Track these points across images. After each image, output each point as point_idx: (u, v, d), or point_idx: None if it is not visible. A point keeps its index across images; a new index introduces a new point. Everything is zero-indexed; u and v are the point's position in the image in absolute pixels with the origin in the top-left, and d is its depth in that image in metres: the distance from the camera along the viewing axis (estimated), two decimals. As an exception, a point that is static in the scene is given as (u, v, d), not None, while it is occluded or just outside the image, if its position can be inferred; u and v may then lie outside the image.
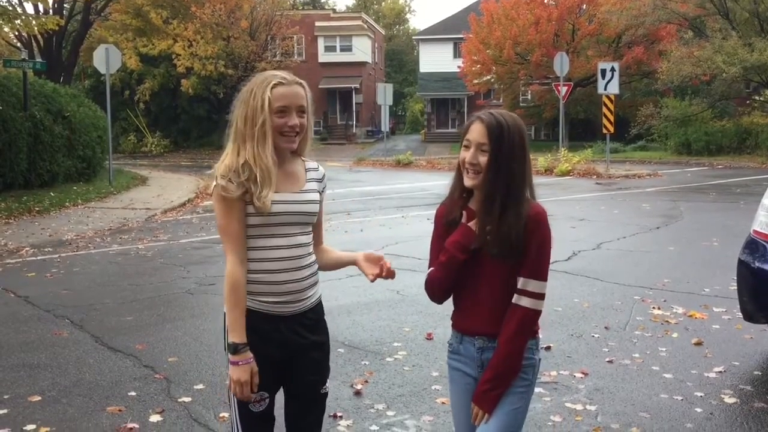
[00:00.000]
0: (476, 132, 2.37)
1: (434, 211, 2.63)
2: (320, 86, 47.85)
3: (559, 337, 5.89)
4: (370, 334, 6.06)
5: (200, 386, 4.91)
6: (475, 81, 39.49)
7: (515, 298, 2.38)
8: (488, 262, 2.39)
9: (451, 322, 2.58)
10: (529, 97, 41.87)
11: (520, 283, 2.37)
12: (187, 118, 41.30)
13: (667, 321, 6.32)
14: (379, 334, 6.01)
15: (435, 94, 48.10)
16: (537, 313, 2.40)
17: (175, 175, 25.40)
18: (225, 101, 41.10)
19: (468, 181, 2.39)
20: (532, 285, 2.37)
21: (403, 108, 63.66)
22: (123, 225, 13.39)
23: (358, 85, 47.79)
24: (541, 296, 2.38)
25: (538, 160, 24.90)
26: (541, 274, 2.38)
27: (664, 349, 5.55)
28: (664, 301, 6.99)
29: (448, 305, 2.63)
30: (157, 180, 22.80)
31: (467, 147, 2.39)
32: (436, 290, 2.52)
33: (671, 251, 9.67)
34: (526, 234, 2.34)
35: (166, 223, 13.84)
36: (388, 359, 5.37)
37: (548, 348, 5.59)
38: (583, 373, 5.05)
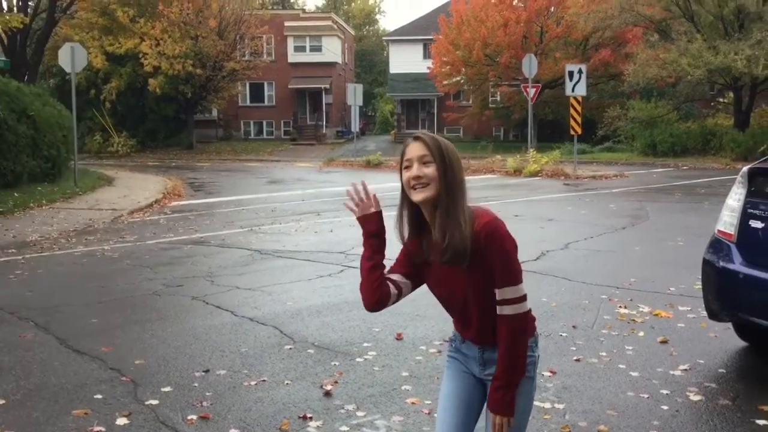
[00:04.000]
0: (415, 149, 2.41)
1: None
2: (290, 86, 47.70)
3: (528, 337, 5.92)
4: (339, 334, 6.05)
5: (168, 389, 4.86)
6: (445, 82, 39.66)
7: (498, 310, 2.41)
8: (463, 279, 2.42)
9: (434, 321, 2.63)
10: (498, 98, 42.18)
11: (498, 294, 2.40)
12: (154, 117, 40.85)
13: (634, 320, 6.39)
14: (349, 334, 6.00)
15: (405, 94, 48.18)
16: (524, 316, 2.42)
17: (142, 175, 25.14)
18: (193, 101, 40.78)
19: (418, 196, 2.39)
20: (509, 292, 2.40)
21: (373, 108, 63.68)
22: (89, 226, 13.21)
23: (328, 86, 47.70)
24: (521, 299, 2.41)
25: (507, 161, 25.09)
26: (513, 280, 2.40)
27: (630, 348, 5.62)
28: (631, 300, 7.08)
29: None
30: (124, 180, 22.54)
31: (408, 167, 2.41)
32: (362, 293, 2.55)
33: (637, 251, 9.80)
34: (482, 247, 2.36)
35: (132, 224, 13.69)
36: (358, 360, 5.37)
37: (517, 347, 5.62)
38: (551, 371, 5.09)
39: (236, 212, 15.13)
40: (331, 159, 32.77)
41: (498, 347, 2.43)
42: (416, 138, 2.44)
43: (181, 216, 14.72)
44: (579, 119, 23.81)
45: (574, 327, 6.19)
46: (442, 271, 2.45)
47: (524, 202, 15.96)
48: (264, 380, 5.00)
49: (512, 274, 2.39)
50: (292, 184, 22.19)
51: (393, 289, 2.52)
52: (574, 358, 5.39)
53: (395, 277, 2.54)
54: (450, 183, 2.39)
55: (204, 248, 10.61)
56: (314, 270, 8.74)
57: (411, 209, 2.46)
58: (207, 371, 5.19)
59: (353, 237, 11.05)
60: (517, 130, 44.70)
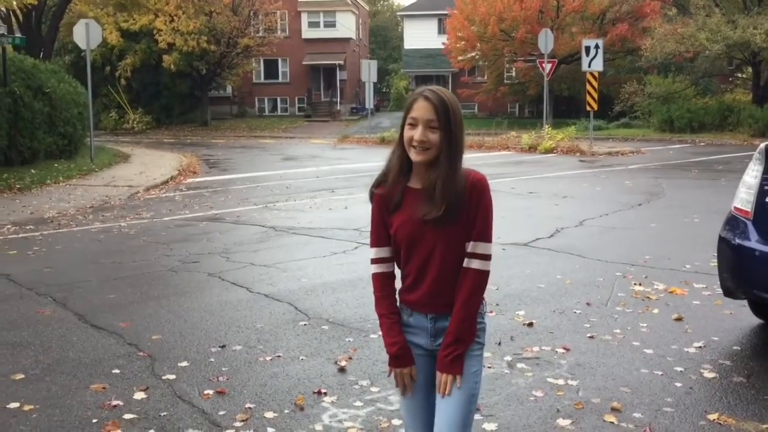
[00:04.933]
0: (423, 110, 2.43)
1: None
2: (304, 63, 47.53)
3: (542, 313, 5.94)
4: (354, 311, 6.09)
5: (184, 363, 4.91)
6: (460, 58, 39.32)
7: (466, 262, 2.47)
8: (433, 235, 2.47)
9: (399, 301, 2.63)
10: (513, 74, 41.78)
11: (470, 246, 2.47)
12: (169, 94, 40.85)
13: (648, 297, 6.38)
14: (363, 311, 6.03)
15: (419, 70, 47.88)
16: (486, 274, 2.50)
17: (157, 152, 25.22)
18: (207, 77, 40.75)
19: (417, 157, 2.44)
20: (481, 247, 2.47)
21: (388, 85, 63.35)
22: (105, 203, 13.29)
23: (342, 62, 47.48)
24: (488, 257, 2.49)
25: (522, 138, 24.94)
26: (488, 237, 2.49)
27: (644, 325, 5.62)
28: (645, 277, 7.06)
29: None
30: (140, 157, 22.64)
31: (413, 125, 2.44)
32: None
33: (653, 228, 9.75)
34: (472, 199, 2.44)
35: (148, 200, 13.76)
36: (372, 336, 5.40)
37: (530, 324, 5.64)
38: (564, 348, 5.10)
39: (251, 189, 15.16)
40: (346, 136, 32.72)
41: (453, 305, 2.47)
42: (426, 98, 2.43)
43: (197, 193, 14.78)
44: (595, 95, 23.60)
45: (588, 304, 6.19)
46: (414, 220, 2.48)
47: (539, 178, 15.89)
48: (279, 356, 5.04)
49: (489, 230, 2.48)
50: (306, 161, 22.20)
51: (394, 284, 2.62)
52: (588, 335, 5.40)
53: (387, 265, 2.59)
54: (453, 148, 2.44)
55: (219, 225, 10.66)
56: (329, 247, 8.77)
57: (403, 157, 2.50)
58: (223, 347, 5.24)
59: (368, 214, 11.05)
60: (533, 106, 44.36)
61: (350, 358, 4.96)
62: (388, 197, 2.54)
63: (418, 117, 2.42)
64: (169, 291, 6.89)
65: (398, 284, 2.64)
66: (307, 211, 11.87)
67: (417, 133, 2.42)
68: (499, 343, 5.22)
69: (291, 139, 33.90)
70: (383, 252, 2.59)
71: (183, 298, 6.60)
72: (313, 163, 21.12)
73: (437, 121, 2.41)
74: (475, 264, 2.46)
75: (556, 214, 10.80)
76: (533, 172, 17.16)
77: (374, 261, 2.61)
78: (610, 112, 34.42)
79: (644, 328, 5.54)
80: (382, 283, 2.60)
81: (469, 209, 2.43)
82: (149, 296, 6.70)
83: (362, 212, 11.08)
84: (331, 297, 6.53)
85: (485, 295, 2.57)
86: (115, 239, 9.72)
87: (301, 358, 5.01)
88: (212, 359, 5.00)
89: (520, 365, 4.82)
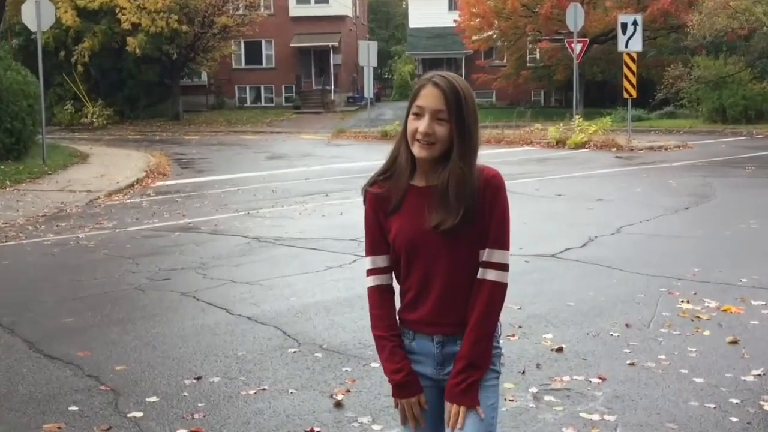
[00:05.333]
0: (431, 98, 2.44)
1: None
2: (292, 45, 47.61)
3: (573, 337, 5.94)
4: (352, 335, 6.09)
5: (153, 399, 4.91)
6: (474, 38, 39.37)
7: (480, 273, 2.48)
8: (439, 241, 2.47)
9: (399, 320, 2.62)
10: (537, 56, 41.82)
11: (485, 255, 2.47)
12: (134, 83, 40.92)
13: (698, 317, 6.38)
14: (363, 335, 6.02)
15: (427, 53, 47.95)
16: (504, 287, 2.50)
17: (121, 150, 25.28)
18: (179, 63, 40.83)
19: (420, 152, 2.45)
20: (498, 255, 2.48)
21: (390, 70, 63.50)
22: (60, 210, 13.32)
23: (336, 44, 47.57)
24: (506, 267, 2.50)
25: (549, 131, 24.97)
26: (506, 243, 2.50)
27: (693, 350, 5.61)
28: (694, 293, 7.06)
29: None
30: (100, 157, 22.68)
31: (418, 115, 2.46)
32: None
33: (702, 236, 9.75)
34: (485, 199, 2.45)
35: (110, 207, 13.79)
36: (374, 365, 5.39)
37: (559, 349, 5.64)
38: (600, 378, 5.10)
39: (231, 193, 15.20)
40: (341, 130, 32.76)
41: (464, 324, 2.46)
42: (435, 84, 2.44)
43: (167, 198, 14.80)
44: (633, 80, 23.62)
45: (627, 325, 6.19)
46: (417, 224, 2.48)
47: (568, 178, 15.91)
48: (264, 389, 5.04)
49: (506, 236, 2.48)
50: (295, 159, 22.24)
51: (394, 299, 2.62)
52: (628, 361, 5.39)
53: (386, 276, 2.60)
54: (467, 142, 2.45)
55: (194, 236, 10.68)
56: (322, 260, 8.78)
57: (408, 152, 2.51)
58: (199, 378, 5.24)
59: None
60: (560, 93, 44.38)
61: (348, 391, 4.96)
62: (385, 197, 2.55)
63: (425, 106, 2.43)
64: (136, 314, 6.90)
65: (397, 302, 2.64)
66: (297, 218, 11.88)
67: (422, 125, 2.43)
68: (523, 372, 5.21)
69: (277, 135, 33.96)
70: (380, 261, 2.60)
71: (152, 322, 6.60)
72: (303, 163, 21.15)
73: (447, 112, 2.42)
74: (492, 275, 2.47)
75: (589, 220, 10.82)
76: (561, 171, 17.18)
77: (370, 272, 2.62)
78: (652, 100, 34.40)
79: (693, 353, 5.54)
80: (380, 297, 2.60)
81: (482, 211, 2.44)
82: (112, 320, 6.70)
83: (361, 219, 11.07)
84: (325, 319, 6.53)
85: (503, 316, 2.57)
86: (71, 253, 9.74)
87: (290, 391, 5.01)
88: (186, 393, 5.01)
89: (547, 398, 4.81)
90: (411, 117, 2.46)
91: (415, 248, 2.49)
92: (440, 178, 2.45)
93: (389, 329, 2.58)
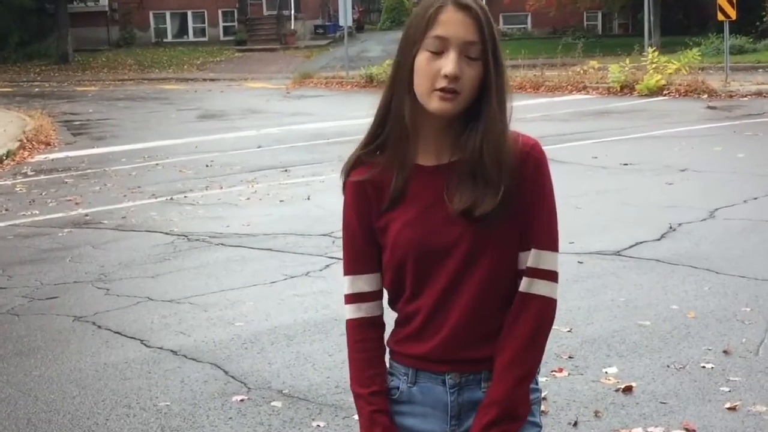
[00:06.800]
0: (457, 25, 2.36)
1: None
2: (232, -49, 47.50)
3: (647, 370, 5.94)
4: (325, 375, 6.09)
5: (36, 473, 4.91)
6: (499, -65, 39.41)
7: (524, 285, 2.44)
8: (466, 242, 2.41)
9: (390, 352, 2.58)
10: (592, -39, 41.86)
11: (530, 259, 2.43)
12: (1, 10, 40.82)
13: (830, 338, 6.41)
14: (341, 373, 6.03)
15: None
16: (554, 306, 2.48)
17: (-17, 110, 25.23)
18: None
19: (444, 105, 2.36)
20: (547, 260, 2.45)
21: (376, -13, 63.48)
22: None
23: (297, -52, 47.52)
24: (556, 276, 2.47)
25: (610, 71, 24.94)
26: (555, 242, 2.47)
27: (824, 386, 5.63)
28: (825, 304, 7.09)
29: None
30: (-47, 120, 22.63)
31: (437, 52, 2.35)
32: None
33: (835, 220, 9.78)
34: (526, 180, 2.40)
35: (-30, 194, 13.76)
36: (356, 417, 5.40)
37: (628, 389, 5.65)
38: (687, 429, 5.11)
39: (145, 170, 15.19)
40: (307, 75, 32.69)
41: (490, 360, 2.44)
42: (460, 5, 2.37)
43: (52, 179, 14.75)
44: (732, -5, 23.62)
45: (725, 352, 6.19)
46: (432, 219, 2.43)
47: (638, 140, 15.90)
48: (198, 455, 5.05)
49: (555, 231, 2.47)
50: (239, 119, 22.20)
51: (383, 339, 2.59)
52: (727, 405, 5.40)
53: (372, 306, 2.57)
54: (503, 92, 2.41)
55: (92, 233, 10.66)
56: (280, 266, 8.77)
57: (415, 110, 2.42)
58: (101, 442, 5.24)
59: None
60: (626, 16, 44.39)
61: (321, 457, 4.97)
62: (377, 184, 2.49)
63: (450, 37, 2.35)
64: (8, 348, 6.88)
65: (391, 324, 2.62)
66: (243, 205, 11.88)
67: (449, 64, 2.34)
68: (575, 424, 5.22)
69: (213, 83, 33.88)
70: (365, 283, 2.56)
71: (31, 361, 6.58)
72: (251, 124, 21.11)
73: (480, 46, 2.36)
74: (540, 287, 2.43)
75: (668, 201, 10.82)
76: (627, 130, 17.17)
77: (350, 299, 2.58)
78: (759, 24, 34.47)
79: (823, 392, 5.56)
80: (363, 337, 2.57)
81: (522, 195, 2.40)
82: (-27, 359, 6.70)
83: (337, 205, 11.03)
84: (287, 352, 6.53)
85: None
86: None
87: (236, 457, 5.01)
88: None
89: (612, 460, 4.83)
90: (424, 55, 2.38)
91: (428, 254, 2.44)
92: (467, 144, 2.40)
93: (372, 383, 2.54)
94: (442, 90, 2.33)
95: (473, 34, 2.34)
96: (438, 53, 2.34)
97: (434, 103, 2.35)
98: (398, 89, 2.43)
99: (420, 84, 2.36)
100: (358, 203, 2.52)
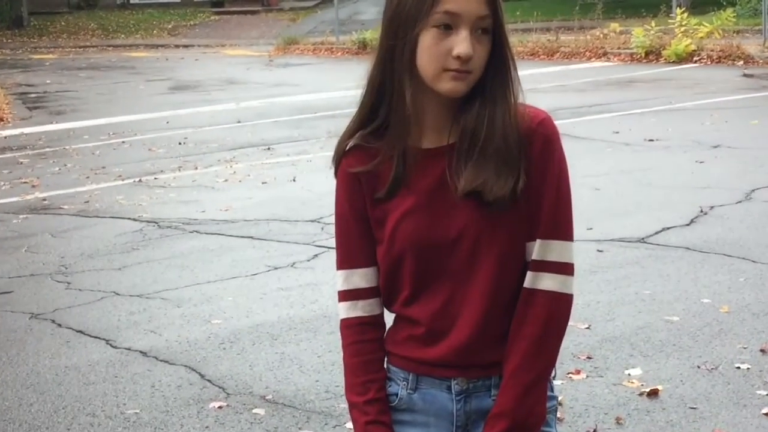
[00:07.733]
0: None
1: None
2: None
3: (675, 372, 5.96)
4: (313, 378, 6.11)
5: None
6: None
7: (530, 280, 2.42)
8: (475, 232, 2.40)
9: (388, 354, 2.57)
10: None
11: (536, 250, 2.41)
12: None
13: None
14: (333, 376, 6.04)
15: None
16: (569, 301, 2.46)
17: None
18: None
19: (457, 86, 2.35)
20: (557, 249, 2.42)
21: (370, -61, 63.39)
22: None
23: None
24: (570, 269, 2.44)
25: (633, 35, 24.92)
26: (568, 230, 2.45)
27: None
28: None
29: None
30: None
31: (447, 27, 2.33)
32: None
33: None
34: (533, 160, 2.38)
35: None
36: (349, 426, 5.41)
37: (653, 393, 5.66)
38: (719, 438, 5.13)
39: (111, 149, 15.20)
40: (292, 40, 32.65)
41: (499, 364, 2.43)
42: None
43: (5, 159, 14.77)
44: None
45: (763, 351, 6.21)
46: (436, 207, 2.42)
47: (665, 113, 15.91)
48: (171, 469, 5.06)
49: (564, 217, 2.44)
50: (217, 91, 22.20)
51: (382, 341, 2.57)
52: (764, 410, 5.41)
53: (369, 303, 2.55)
54: (508, 62, 2.40)
55: (51, 220, 10.66)
56: (263, 256, 8.78)
57: (418, 90, 2.40)
58: (62, 455, 5.25)
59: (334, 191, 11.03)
60: (651, -28, 44.33)
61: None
62: (373, 173, 2.48)
63: (462, 12, 2.32)
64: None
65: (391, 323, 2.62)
66: (221, 188, 11.90)
67: (462, 44, 2.32)
68: (595, 432, 5.24)
69: (186, 50, 33.86)
70: (362, 278, 2.54)
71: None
72: (229, 96, 21.12)
73: (492, 17, 2.35)
74: (548, 282, 2.41)
75: (699, 181, 10.83)
76: (653, 101, 17.17)
77: (344, 296, 2.57)
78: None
79: None
80: (359, 339, 2.55)
81: (529, 177, 2.37)
82: None
83: (326, 187, 11.04)
84: (270, 353, 6.54)
85: (562, 342, 2.56)
86: None
87: (213, 472, 5.03)
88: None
89: (635, 473, 4.84)
90: (430, 32, 2.35)
91: (431, 246, 2.43)
92: (474, 121, 2.38)
93: (368, 391, 2.52)
94: (455, 71, 2.32)
95: (485, 8, 2.33)
96: (447, 29, 2.32)
97: (445, 84, 2.35)
98: (396, 71, 2.40)
99: (427, 65, 2.34)
100: (352, 192, 2.51)
